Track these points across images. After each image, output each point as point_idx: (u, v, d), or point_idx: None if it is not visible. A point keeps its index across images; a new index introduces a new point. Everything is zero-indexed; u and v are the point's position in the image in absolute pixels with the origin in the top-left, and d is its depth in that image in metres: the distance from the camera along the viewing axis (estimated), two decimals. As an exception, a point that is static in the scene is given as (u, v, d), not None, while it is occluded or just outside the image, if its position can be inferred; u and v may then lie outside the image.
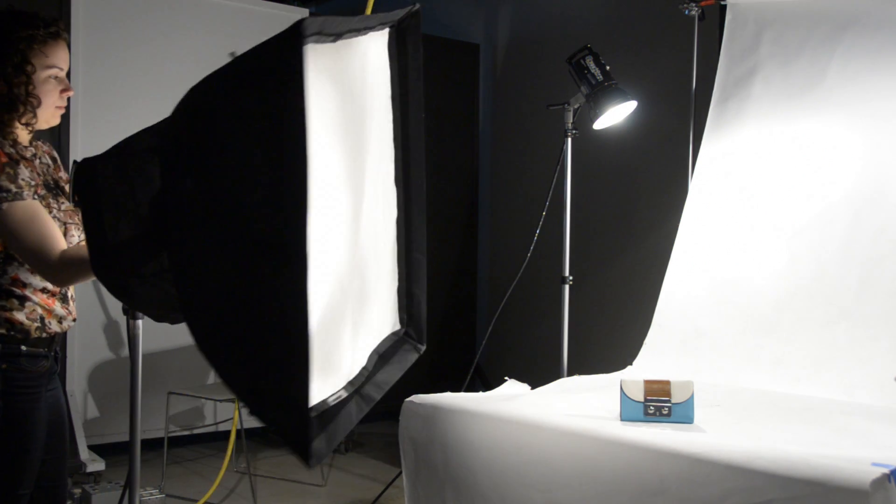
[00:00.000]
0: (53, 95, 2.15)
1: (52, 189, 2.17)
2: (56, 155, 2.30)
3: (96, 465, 4.24)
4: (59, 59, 2.16)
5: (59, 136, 4.40)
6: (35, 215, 2.03)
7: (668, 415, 2.51)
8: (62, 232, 2.12)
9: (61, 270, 2.03)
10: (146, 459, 4.53)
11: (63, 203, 2.17)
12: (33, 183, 2.07)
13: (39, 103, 2.12)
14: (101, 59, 4.64)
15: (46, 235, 2.04)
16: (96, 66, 4.61)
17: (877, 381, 3.01)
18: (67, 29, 2.30)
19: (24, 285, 2.10)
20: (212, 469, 4.57)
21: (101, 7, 4.64)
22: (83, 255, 2.02)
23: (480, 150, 6.23)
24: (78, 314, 2.28)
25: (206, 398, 4.19)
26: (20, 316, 2.08)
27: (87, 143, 4.52)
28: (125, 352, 4.64)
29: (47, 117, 2.17)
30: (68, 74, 2.22)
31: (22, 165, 2.07)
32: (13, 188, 2.01)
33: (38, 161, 2.17)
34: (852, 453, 2.12)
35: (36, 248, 2.02)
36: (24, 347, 2.08)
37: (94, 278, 2.04)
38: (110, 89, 4.67)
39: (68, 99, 2.21)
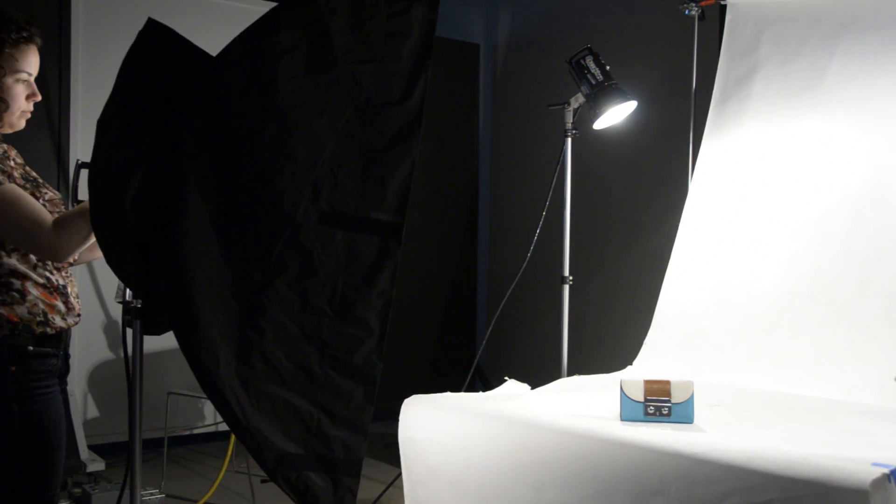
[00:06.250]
0: (20, 100, 2.13)
1: (32, 181, 2.15)
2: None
3: (96, 465, 4.23)
4: (29, 64, 2.13)
5: (59, 136, 4.39)
6: (19, 195, 2.02)
7: (668, 415, 2.51)
8: None
9: (58, 236, 2.00)
10: (146, 459, 4.52)
11: (46, 193, 2.15)
12: (7, 173, 2.06)
13: (7, 107, 2.10)
14: (100, 60, 4.63)
15: (35, 210, 2.02)
16: (96, 66, 4.61)
17: (877, 381, 3.01)
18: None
19: (24, 277, 2.06)
20: (212, 469, 4.57)
21: (101, 7, 4.64)
22: (76, 210, 2.01)
23: (480, 150, 6.23)
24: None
25: (206, 398, 4.19)
26: (21, 310, 2.04)
27: (87, 143, 4.51)
28: (125, 352, 4.63)
29: (13, 122, 2.15)
30: (39, 80, 2.18)
31: None
32: None
33: (11, 162, 2.14)
34: (852, 453, 2.12)
35: (28, 224, 2.00)
36: (31, 347, 2.06)
37: (93, 240, 2.00)
38: (110, 90, 4.66)
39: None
